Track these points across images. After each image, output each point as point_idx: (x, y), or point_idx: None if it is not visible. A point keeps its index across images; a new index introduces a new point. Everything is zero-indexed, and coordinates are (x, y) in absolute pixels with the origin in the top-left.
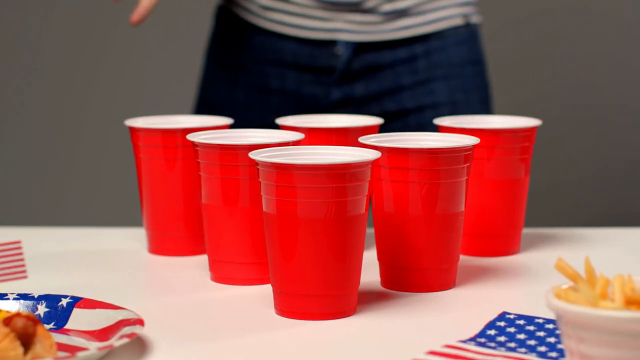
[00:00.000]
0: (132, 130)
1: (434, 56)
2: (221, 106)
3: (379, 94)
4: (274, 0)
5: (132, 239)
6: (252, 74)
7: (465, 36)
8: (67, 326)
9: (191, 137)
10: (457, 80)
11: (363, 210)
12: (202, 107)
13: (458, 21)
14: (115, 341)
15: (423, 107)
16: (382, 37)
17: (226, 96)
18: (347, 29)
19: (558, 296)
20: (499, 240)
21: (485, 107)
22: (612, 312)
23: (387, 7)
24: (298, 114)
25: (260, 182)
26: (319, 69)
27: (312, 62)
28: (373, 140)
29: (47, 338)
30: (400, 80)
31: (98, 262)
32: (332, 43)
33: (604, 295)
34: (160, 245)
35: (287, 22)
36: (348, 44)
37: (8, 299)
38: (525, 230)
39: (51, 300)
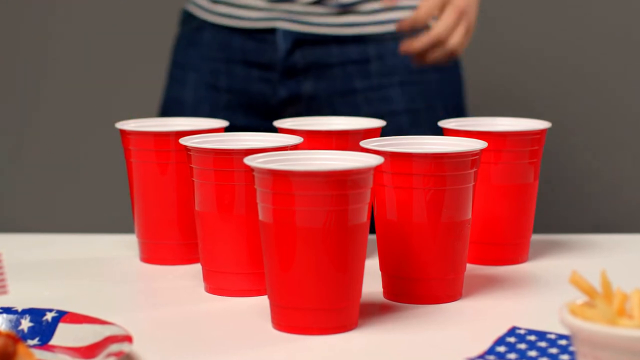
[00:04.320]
0: (123, 133)
1: (389, 60)
2: (171, 105)
3: (329, 94)
4: None
5: (124, 246)
6: (201, 72)
7: None
8: (52, 342)
9: (184, 141)
10: (416, 87)
11: (365, 219)
12: (162, 108)
13: None
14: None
15: (379, 115)
16: (327, 31)
17: (176, 96)
18: (286, 17)
19: (573, 312)
20: (507, 248)
21: (455, 115)
22: (631, 330)
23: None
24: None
25: (256, 189)
26: (264, 65)
27: (258, 57)
28: (375, 144)
29: (29, 356)
30: (353, 83)
31: (87, 271)
32: (274, 34)
33: (622, 312)
34: (152, 254)
35: (233, 15)
36: (287, 34)
37: None
38: (534, 237)
39: (35, 314)
